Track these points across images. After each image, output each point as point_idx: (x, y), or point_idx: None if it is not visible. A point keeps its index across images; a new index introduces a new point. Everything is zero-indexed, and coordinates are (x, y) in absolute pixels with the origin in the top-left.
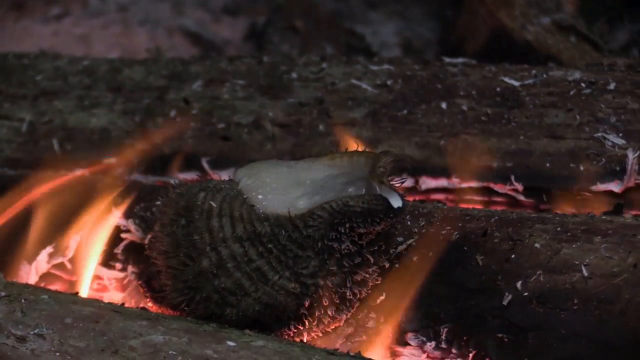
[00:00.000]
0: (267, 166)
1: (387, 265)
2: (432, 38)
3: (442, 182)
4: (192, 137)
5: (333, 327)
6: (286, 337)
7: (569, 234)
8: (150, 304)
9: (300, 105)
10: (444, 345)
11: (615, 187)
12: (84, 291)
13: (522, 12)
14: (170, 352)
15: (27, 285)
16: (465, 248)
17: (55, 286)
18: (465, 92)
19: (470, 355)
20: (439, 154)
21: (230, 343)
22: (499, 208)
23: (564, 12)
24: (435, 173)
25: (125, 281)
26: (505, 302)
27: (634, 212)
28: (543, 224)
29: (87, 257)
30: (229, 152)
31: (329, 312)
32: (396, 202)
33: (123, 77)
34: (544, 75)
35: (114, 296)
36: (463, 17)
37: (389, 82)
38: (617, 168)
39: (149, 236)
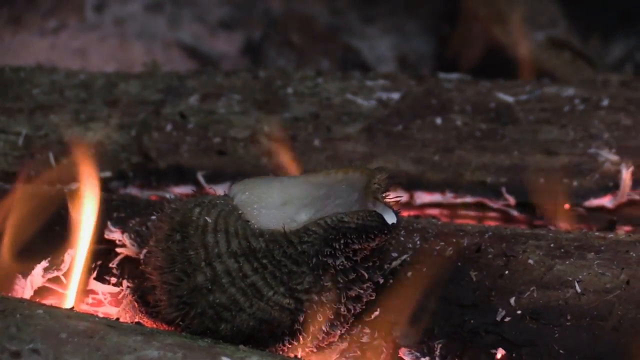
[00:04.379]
0: (262, 182)
1: (381, 280)
2: (428, 53)
3: (436, 197)
4: (188, 152)
5: (327, 342)
6: (280, 352)
7: (562, 250)
8: (145, 319)
9: (295, 120)
10: None
11: (608, 202)
12: (70, 303)
13: (517, 28)
14: None
15: (22, 300)
16: (459, 264)
17: (51, 300)
18: (460, 107)
19: None
20: (434, 169)
21: (225, 358)
22: (492, 224)
23: (559, 28)
24: (429, 188)
25: (120, 296)
26: (498, 318)
27: (627, 229)
28: (537, 240)
29: (75, 270)
30: (225, 167)
31: (324, 328)
32: (391, 218)
33: (119, 91)
34: (538, 91)
35: (109, 311)
36: (458, 33)
37: (384, 97)
38: (611, 184)
39: (144, 251)
